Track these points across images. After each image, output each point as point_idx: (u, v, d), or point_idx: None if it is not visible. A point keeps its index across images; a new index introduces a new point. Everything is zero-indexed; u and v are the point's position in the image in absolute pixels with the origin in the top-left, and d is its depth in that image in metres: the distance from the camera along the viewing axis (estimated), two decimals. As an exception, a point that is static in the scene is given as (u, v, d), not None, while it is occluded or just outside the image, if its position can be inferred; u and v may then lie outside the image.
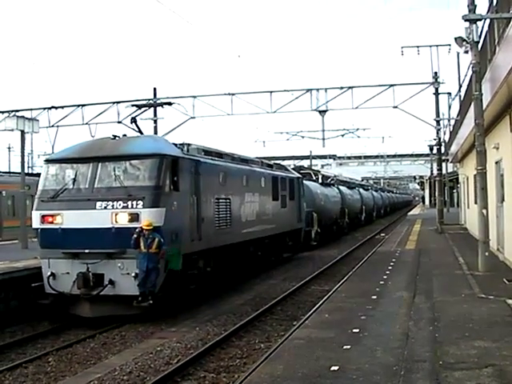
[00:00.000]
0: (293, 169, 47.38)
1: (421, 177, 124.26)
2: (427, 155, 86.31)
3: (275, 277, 27.57)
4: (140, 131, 21.91)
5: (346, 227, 54.97)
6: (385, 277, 20.62)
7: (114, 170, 18.51)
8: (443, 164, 51.85)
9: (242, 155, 27.72)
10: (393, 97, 39.07)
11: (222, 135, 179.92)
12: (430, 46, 41.15)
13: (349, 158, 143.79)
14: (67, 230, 18.22)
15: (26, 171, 35.28)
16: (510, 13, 16.97)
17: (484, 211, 20.62)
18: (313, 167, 74.42)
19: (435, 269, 22.55)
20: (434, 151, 53.67)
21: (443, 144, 49.18)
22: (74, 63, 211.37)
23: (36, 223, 18.88)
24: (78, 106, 42.10)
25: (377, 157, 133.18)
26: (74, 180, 18.81)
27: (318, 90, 40.28)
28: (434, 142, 50.46)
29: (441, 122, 44.88)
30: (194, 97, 40.68)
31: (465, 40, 19.96)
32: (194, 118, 40.96)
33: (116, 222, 17.92)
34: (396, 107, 39.24)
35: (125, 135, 20.56)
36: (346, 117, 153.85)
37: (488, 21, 21.05)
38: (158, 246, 17.60)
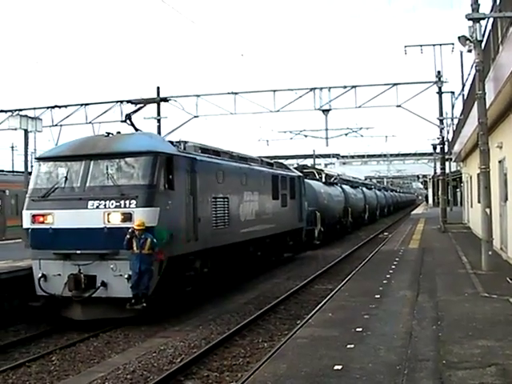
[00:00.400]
0: (296, 168, 47.41)
1: (424, 176, 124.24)
2: (430, 154, 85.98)
3: (279, 276, 27.58)
4: (135, 128, 21.41)
5: (350, 226, 54.95)
6: (388, 276, 20.62)
7: (107, 168, 18.02)
8: (446, 163, 51.79)
9: (240, 153, 27.22)
10: (396, 96, 38.96)
11: (226, 134, 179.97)
12: (434, 45, 41.05)
13: (352, 157, 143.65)
14: (58, 230, 17.76)
15: (29, 170, 35.24)
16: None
17: (487, 210, 20.62)
18: (316, 166, 74.28)
19: (438, 268, 22.55)
20: (438, 150, 53.49)
21: (446, 143, 49.10)
22: (78, 62, 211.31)
23: (26, 223, 18.42)
24: (82, 105, 42.05)
25: (380, 156, 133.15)
26: (66, 178, 18.36)
27: (321, 89, 40.22)
28: (437, 141, 50.28)
29: (444, 121, 44.80)
30: (198, 96, 40.61)
31: (468, 39, 19.93)
32: (197, 117, 40.89)
33: (108, 221, 17.45)
34: (399, 106, 39.15)
35: (119, 132, 20.13)
36: (349, 116, 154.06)
37: (491, 20, 21.03)
38: (151, 247, 17.17)
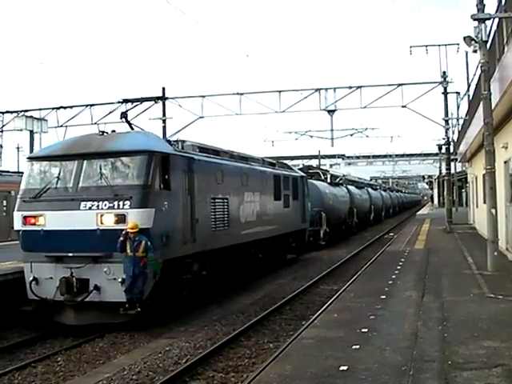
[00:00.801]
0: (301, 168, 47.37)
1: (429, 176, 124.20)
2: (436, 155, 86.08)
3: (284, 276, 27.57)
4: (131, 127, 20.85)
5: (355, 227, 54.91)
6: (393, 276, 20.61)
7: (100, 168, 17.39)
8: (452, 163, 51.76)
9: (241, 153, 26.57)
10: (401, 96, 39.10)
11: (231, 135, 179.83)
12: (439, 46, 41.15)
13: (357, 157, 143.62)
14: (50, 232, 17.14)
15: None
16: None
17: (493, 211, 20.58)
18: (321, 167, 74.28)
19: (444, 268, 22.54)
20: (443, 151, 53.45)
21: (452, 143, 49.12)
22: (83, 63, 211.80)
23: (17, 225, 17.80)
24: (87, 105, 42.21)
25: (385, 156, 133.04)
26: (58, 178, 17.76)
27: (326, 89, 40.33)
28: (442, 142, 50.29)
29: (449, 122, 44.89)
30: (203, 96, 40.72)
31: (473, 39, 19.91)
32: (202, 117, 41.01)
33: (101, 223, 16.80)
34: (404, 106, 39.24)
35: (113, 131, 19.67)
36: (354, 116, 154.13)
37: (497, 20, 21.03)
38: (145, 250, 16.54)
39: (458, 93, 45.45)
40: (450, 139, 47.66)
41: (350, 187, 56.16)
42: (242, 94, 40.24)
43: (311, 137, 61.09)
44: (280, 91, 40.14)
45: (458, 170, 66.39)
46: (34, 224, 17.43)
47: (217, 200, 21.49)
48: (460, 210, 68.11)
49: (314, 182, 42.86)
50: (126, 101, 22.04)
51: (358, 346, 11.64)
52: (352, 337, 12.45)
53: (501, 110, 22.22)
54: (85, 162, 17.66)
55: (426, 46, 40.56)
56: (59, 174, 17.83)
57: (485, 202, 22.87)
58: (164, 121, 43.05)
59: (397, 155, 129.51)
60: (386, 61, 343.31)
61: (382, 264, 25.05)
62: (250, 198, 25.28)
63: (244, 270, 25.29)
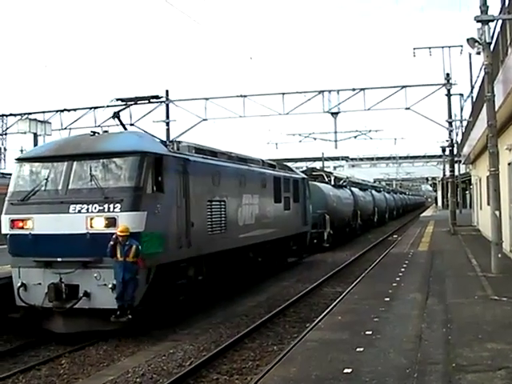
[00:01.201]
0: (305, 171, 47.37)
1: (433, 178, 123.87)
2: (440, 157, 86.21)
3: (288, 279, 27.55)
4: (124, 127, 20.55)
5: (359, 229, 54.89)
6: (398, 278, 20.61)
7: (90, 170, 16.74)
8: (456, 165, 51.73)
9: (240, 154, 25.77)
10: (405, 98, 39.05)
11: (235, 137, 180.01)
12: (442, 47, 41.09)
13: (361, 159, 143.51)
14: (38, 236, 16.50)
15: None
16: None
17: (497, 212, 20.57)
18: (325, 169, 74.38)
19: (448, 270, 22.53)
20: (447, 152, 53.56)
21: (455, 145, 49.08)
22: (86, 66, 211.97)
23: (5, 228, 17.14)
24: (91, 108, 42.22)
25: (389, 158, 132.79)
26: (47, 180, 17.12)
27: (330, 91, 40.33)
28: (446, 144, 50.35)
29: (453, 124, 44.78)
30: (207, 99, 40.74)
31: (477, 41, 19.92)
32: (206, 120, 41.00)
33: (91, 227, 16.16)
34: (408, 108, 39.20)
35: (106, 131, 19.22)
36: (358, 118, 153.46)
37: (500, 22, 21.02)
38: (136, 255, 15.94)
39: (461, 95, 45.38)
40: (454, 141, 47.62)
41: (353, 189, 56.16)
42: (245, 96, 40.24)
43: (315, 139, 61.07)
44: (283, 93, 40.11)
45: (461, 172, 66.33)
46: (22, 228, 16.84)
47: (213, 203, 20.86)
48: (464, 211, 68.03)
49: (318, 184, 42.86)
50: (119, 100, 21.25)
51: (362, 349, 11.64)
52: (356, 339, 12.45)
53: (504, 112, 22.20)
54: (75, 163, 17.08)
55: (430, 47, 40.52)
56: (48, 175, 17.26)
57: (489, 204, 22.88)
58: (167, 123, 43.12)
59: (400, 157, 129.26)
60: (389, 63, 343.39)
61: (386, 266, 25.05)
62: (249, 200, 24.62)
63: (243, 275, 24.66)
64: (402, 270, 22.95)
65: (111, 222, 16.13)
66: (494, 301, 16.05)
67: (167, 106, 42.83)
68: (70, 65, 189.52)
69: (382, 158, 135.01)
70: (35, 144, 42.40)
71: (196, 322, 18.23)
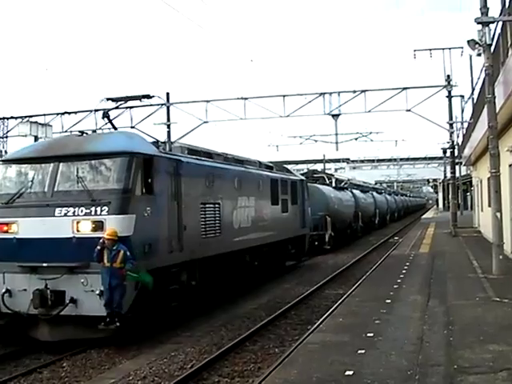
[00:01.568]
0: (306, 173, 47.34)
1: (434, 180, 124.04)
2: (440, 158, 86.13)
3: (289, 281, 27.53)
4: (114, 127, 20.03)
5: (360, 231, 54.88)
6: (399, 280, 20.61)
7: (77, 171, 16.12)
8: (456, 167, 51.79)
9: (236, 155, 25.15)
10: (406, 100, 38.97)
11: (235, 140, 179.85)
12: (443, 49, 41.12)
13: (362, 161, 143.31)
14: (23, 241, 15.85)
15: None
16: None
17: (498, 214, 20.59)
18: (326, 171, 74.31)
19: (449, 272, 22.53)
20: (448, 154, 53.57)
21: (456, 147, 49.08)
22: (87, 69, 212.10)
23: None
24: (91, 111, 42.16)
25: (390, 160, 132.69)
26: (32, 183, 16.55)
27: (330, 93, 40.29)
28: (447, 145, 50.39)
29: (454, 125, 44.77)
30: (207, 101, 40.72)
31: (477, 43, 19.94)
32: (207, 122, 40.98)
33: (78, 230, 15.52)
34: (409, 110, 39.14)
35: (94, 131, 18.36)
36: (359, 120, 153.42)
37: (500, 23, 21.02)
38: (124, 260, 15.25)
39: (462, 96, 45.33)
40: (455, 143, 47.60)
41: (354, 191, 56.14)
42: (246, 98, 40.22)
43: (316, 141, 61.16)
44: (284, 96, 40.07)
45: (462, 174, 66.44)
46: (7, 232, 16.17)
47: (207, 205, 20.16)
48: (465, 213, 68.14)
49: (319, 186, 42.88)
50: (109, 99, 20.29)
51: (363, 351, 11.65)
52: (357, 341, 12.46)
53: (505, 114, 22.21)
54: (61, 164, 16.45)
55: (430, 49, 40.55)
56: (34, 177, 16.68)
57: (490, 206, 22.85)
58: (168, 126, 43.10)
59: (401, 159, 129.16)
60: (390, 65, 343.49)
61: (387, 268, 25.05)
62: (245, 202, 23.90)
63: (239, 279, 24.00)
64: (404, 271, 22.95)
65: (98, 226, 15.53)
66: (496, 302, 16.05)
67: (168, 108, 42.83)
68: (71, 68, 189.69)
69: (383, 160, 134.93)
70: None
71: (197, 324, 18.19)
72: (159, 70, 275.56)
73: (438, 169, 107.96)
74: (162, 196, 17.21)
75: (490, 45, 20.35)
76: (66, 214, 15.69)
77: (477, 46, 20.01)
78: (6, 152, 47.17)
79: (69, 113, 42.79)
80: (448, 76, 40.91)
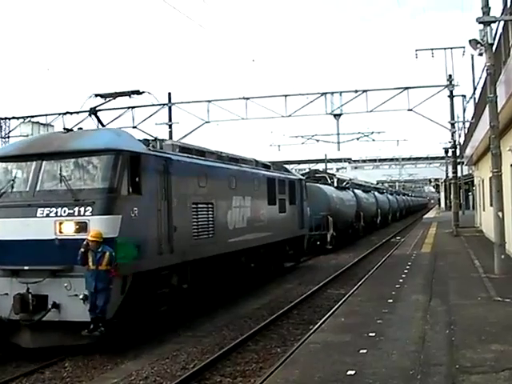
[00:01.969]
0: (308, 172, 47.31)
1: (436, 180, 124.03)
2: (442, 158, 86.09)
3: (291, 281, 27.52)
4: (102, 124, 19.36)
5: (362, 231, 54.86)
6: (401, 280, 20.60)
7: (61, 170, 15.41)
8: (458, 167, 51.69)
9: (231, 154, 24.16)
10: (407, 100, 39.02)
11: (237, 140, 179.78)
12: (445, 49, 41.10)
13: (364, 161, 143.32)
14: (4, 243, 15.19)
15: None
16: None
17: (500, 214, 20.57)
18: (328, 171, 74.28)
19: (451, 272, 22.53)
20: (449, 154, 53.48)
21: (458, 147, 49.05)
22: (89, 69, 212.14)
23: None
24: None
25: (392, 160, 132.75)
26: (14, 182, 15.89)
27: (332, 93, 40.34)
28: (449, 145, 50.32)
29: (456, 125, 44.80)
30: (209, 101, 40.77)
31: (479, 42, 19.94)
32: (208, 122, 41.04)
33: (60, 232, 14.80)
34: (411, 110, 39.18)
35: (80, 128, 17.79)
36: (360, 120, 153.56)
37: (502, 23, 21.01)
38: (110, 262, 14.53)
39: (463, 96, 45.33)
40: (457, 142, 47.60)
41: (356, 191, 56.12)
42: (247, 98, 40.26)
43: (317, 141, 61.15)
44: (286, 95, 40.12)
45: (464, 173, 66.33)
46: None
47: (199, 205, 19.35)
48: (467, 213, 68.12)
49: (321, 186, 42.89)
50: (98, 95, 19.25)
51: (365, 351, 11.64)
52: (359, 341, 12.45)
53: (507, 113, 22.19)
54: (44, 162, 15.72)
55: (432, 49, 40.49)
56: (16, 176, 16.06)
57: (492, 205, 22.82)
58: (170, 126, 43.13)
59: (403, 159, 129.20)
60: (391, 64, 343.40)
61: (389, 268, 25.05)
62: (240, 202, 23.08)
63: (234, 281, 23.22)
64: (405, 271, 22.95)
65: (82, 227, 14.79)
66: (498, 302, 16.04)
67: (170, 108, 42.87)
68: (73, 67, 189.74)
69: (385, 160, 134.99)
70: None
71: (199, 324, 18.20)
72: (161, 70, 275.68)
73: (439, 168, 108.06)
74: (151, 195, 16.50)
75: (492, 44, 20.35)
76: (48, 215, 15.00)
77: (478, 45, 20.00)
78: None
79: (71, 113, 42.69)
80: (450, 76, 40.92)
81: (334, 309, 16.69)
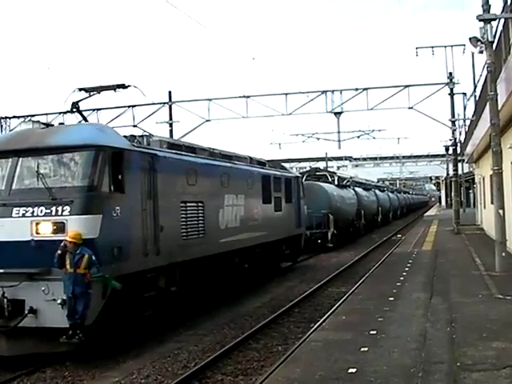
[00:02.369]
0: (308, 171, 47.30)
1: (437, 177, 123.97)
2: (443, 156, 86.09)
3: (292, 279, 27.52)
4: (85, 119, 18.79)
5: (363, 229, 54.84)
6: (402, 278, 20.61)
7: (38, 167, 14.48)
8: (459, 164, 51.71)
9: (223, 150, 23.28)
10: (408, 98, 39.06)
11: (238, 138, 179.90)
12: (445, 47, 41.03)
13: (364, 159, 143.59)
14: None
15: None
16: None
17: (500, 211, 20.58)
18: (329, 169, 74.35)
19: (452, 270, 22.54)
20: (450, 152, 53.50)
21: (459, 144, 49.06)
22: (89, 68, 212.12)
23: None
24: (94, 110, 42.16)
25: (392, 158, 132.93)
26: None
27: (333, 91, 40.35)
28: (449, 143, 50.32)
29: (456, 123, 44.87)
30: (210, 100, 40.79)
31: (479, 40, 19.93)
32: (209, 120, 41.07)
33: (37, 233, 13.97)
34: (411, 108, 39.20)
35: (61, 123, 16.69)
36: (361, 118, 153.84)
37: (502, 20, 21.02)
38: (89, 266, 13.69)
39: (464, 94, 45.39)
40: (457, 140, 47.62)
41: (357, 189, 56.14)
42: (248, 96, 40.28)
43: (318, 139, 61.17)
44: (286, 94, 40.14)
45: (465, 171, 66.34)
46: None
47: (188, 204, 18.57)
48: (468, 210, 68.14)
49: (322, 184, 42.94)
50: (82, 90, 18.27)
51: (366, 349, 11.66)
52: (360, 339, 12.46)
53: (507, 111, 22.20)
54: (20, 159, 14.89)
55: (432, 47, 40.43)
56: None
57: (492, 203, 22.83)
58: (171, 124, 43.16)
59: (404, 157, 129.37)
60: (392, 62, 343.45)
61: (390, 266, 25.06)
62: (232, 201, 22.22)
63: (226, 283, 22.32)
64: (406, 269, 22.97)
65: (60, 228, 13.96)
66: (498, 299, 16.06)
67: (170, 107, 42.91)
68: (73, 66, 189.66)
69: (386, 158, 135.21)
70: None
71: (200, 323, 18.19)
72: (162, 68, 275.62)
73: (440, 166, 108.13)
74: (135, 194, 15.65)
75: (492, 42, 20.36)
76: (24, 215, 14.17)
77: (479, 43, 20.00)
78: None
79: (71, 112, 42.72)
80: (450, 73, 40.91)
81: (335, 307, 16.70)
